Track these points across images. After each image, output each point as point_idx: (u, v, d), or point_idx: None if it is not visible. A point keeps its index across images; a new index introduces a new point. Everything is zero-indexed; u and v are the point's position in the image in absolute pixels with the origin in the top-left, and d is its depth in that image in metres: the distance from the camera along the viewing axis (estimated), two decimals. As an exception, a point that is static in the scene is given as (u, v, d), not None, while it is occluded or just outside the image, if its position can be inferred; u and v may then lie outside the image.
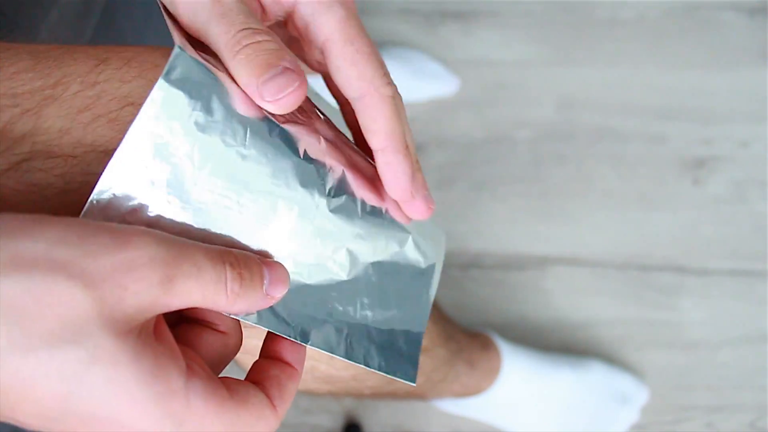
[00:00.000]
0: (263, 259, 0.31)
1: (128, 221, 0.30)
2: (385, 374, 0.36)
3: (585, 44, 1.12)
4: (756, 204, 0.99)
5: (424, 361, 0.57)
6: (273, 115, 0.32)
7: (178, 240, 0.28)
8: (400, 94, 0.34)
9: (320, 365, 0.47)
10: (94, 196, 0.29)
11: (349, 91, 0.33)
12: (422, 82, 1.08)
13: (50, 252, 0.25)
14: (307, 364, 0.46)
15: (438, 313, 0.60)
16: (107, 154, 0.32)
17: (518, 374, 0.79)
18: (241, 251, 0.30)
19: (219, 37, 0.30)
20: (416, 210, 0.34)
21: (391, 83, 0.33)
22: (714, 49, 1.11)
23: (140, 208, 0.30)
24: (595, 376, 0.83)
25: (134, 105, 0.32)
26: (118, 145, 0.30)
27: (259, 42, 0.30)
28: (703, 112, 1.06)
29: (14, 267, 0.24)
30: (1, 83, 0.32)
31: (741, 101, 1.06)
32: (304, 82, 0.30)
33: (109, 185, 0.29)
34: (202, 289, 0.27)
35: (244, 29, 0.30)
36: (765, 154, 1.02)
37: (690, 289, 0.94)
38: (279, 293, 0.30)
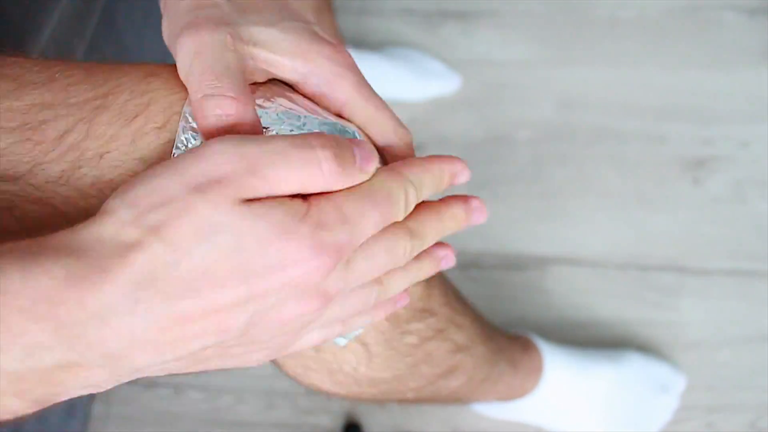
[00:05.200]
0: (350, 139, 0.32)
1: None
2: None
3: (585, 44, 1.12)
4: (756, 204, 0.99)
5: (465, 359, 0.57)
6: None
7: (259, 136, 0.30)
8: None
9: (360, 367, 0.47)
10: None
11: (378, 141, 0.38)
12: (423, 81, 1.08)
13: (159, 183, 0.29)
14: (347, 367, 0.47)
15: (475, 313, 0.61)
16: (151, 165, 0.33)
17: (561, 373, 0.80)
18: (330, 134, 0.32)
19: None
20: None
21: (407, 129, 0.38)
22: (714, 49, 1.11)
23: None
24: (634, 368, 0.84)
25: (179, 113, 0.34)
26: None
27: None
28: (703, 112, 1.06)
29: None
30: (57, 94, 0.34)
31: (741, 101, 1.06)
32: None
33: None
34: (294, 174, 0.29)
35: None
36: (765, 154, 1.02)
37: (690, 289, 0.94)
38: (372, 168, 0.32)
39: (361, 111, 0.37)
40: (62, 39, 0.65)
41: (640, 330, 0.92)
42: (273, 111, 0.35)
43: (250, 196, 0.29)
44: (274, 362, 0.48)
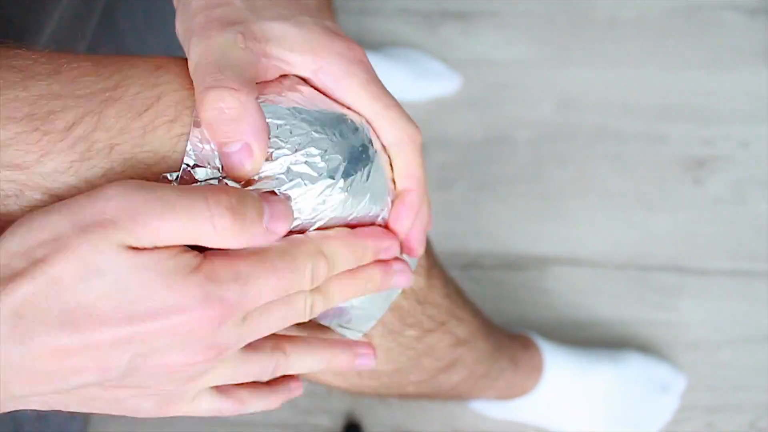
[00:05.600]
0: (263, 194, 0.32)
1: None
2: None
3: (585, 44, 1.12)
4: (756, 204, 0.99)
5: (466, 354, 0.57)
6: None
7: (153, 184, 0.30)
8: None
9: None
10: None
11: (386, 139, 0.37)
12: (423, 81, 1.08)
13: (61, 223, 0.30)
14: None
15: (476, 309, 0.61)
16: (163, 156, 0.33)
17: (561, 372, 0.80)
18: (235, 187, 0.32)
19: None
20: (408, 249, 0.39)
21: (419, 129, 0.37)
22: (714, 49, 1.11)
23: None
24: (634, 368, 0.84)
25: (191, 108, 0.34)
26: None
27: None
28: (703, 112, 1.06)
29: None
30: (65, 85, 0.34)
31: (741, 101, 1.06)
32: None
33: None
34: (180, 225, 0.29)
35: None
36: (765, 154, 1.02)
37: (690, 289, 0.94)
38: (282, 229, 0.32)
39: (368, 109, 0.36)
40: (62, 39, 0.65)
41: (640, 330, 0.92)
42: (284, 105, 0.35)
43: (133, 243, 0.29)
44: None
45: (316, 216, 0.34)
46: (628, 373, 0.83)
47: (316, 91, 0.36)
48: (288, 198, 0.33)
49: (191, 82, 0.35)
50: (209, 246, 0.30)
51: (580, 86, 1.09)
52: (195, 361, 0.31)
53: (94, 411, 0.32)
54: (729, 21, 1.13)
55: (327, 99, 0.36)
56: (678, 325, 0.92)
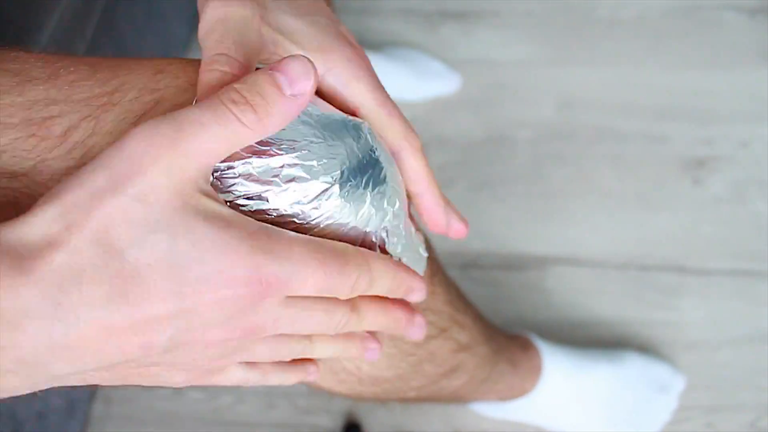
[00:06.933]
0: (274, 63, 0.30)
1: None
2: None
3: (585, 44, 1.12)
4: (756, 204, 0.99)
5: (467, 359, 0.57)
6: None
7: (169, 114, 0.28)
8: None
9: (363, 366, 0.47)
10: None
11: (392, 145, 0.38)
12: (424, 81, 1.08)
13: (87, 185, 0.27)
14: (350, 365, 0.47)
15: (477, 312, 0.61)
16: None
17: (560, 373, 0.80)
18: (245, 78, 0.30)
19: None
20: (456, 233, 0.42)
21: (417, 135, 0.39)
22: (714, 49, 1.11)
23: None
24: (633, 368, 0.84)
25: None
26: None
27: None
28: (703, 112, 1.06)
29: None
30: (61, 90, 0.33)
31: (741, 101, 1.06)
32: None
33: None
34: (215, 137, 0.28)
35: None
36: (765, 154, 1.02)
37: (690, 289, 0.94)
38: (307, 86, 0.30)
39: (373, 114, 0.37)
40: (62, 39, 0.65)
41: (640, 330, 0.92)
42: None
43: (177, 174, 0.27)
44: None
45: (312, 220, 0.33)
46: (627, 374, 0.83)
47: (317, 96, 0.36)
48: (300, 55, 0.31)
49: (191, 82, 0.35)
50: (252, 142, 0.29)
51: (580, 86, 1.09)
52: (232, 337, 0.30)
53: (129, 384, 0.31)
54: (729, 21, 1.13)
55: (328, 105, 0.36)
56: (678, 325, 0.92)
